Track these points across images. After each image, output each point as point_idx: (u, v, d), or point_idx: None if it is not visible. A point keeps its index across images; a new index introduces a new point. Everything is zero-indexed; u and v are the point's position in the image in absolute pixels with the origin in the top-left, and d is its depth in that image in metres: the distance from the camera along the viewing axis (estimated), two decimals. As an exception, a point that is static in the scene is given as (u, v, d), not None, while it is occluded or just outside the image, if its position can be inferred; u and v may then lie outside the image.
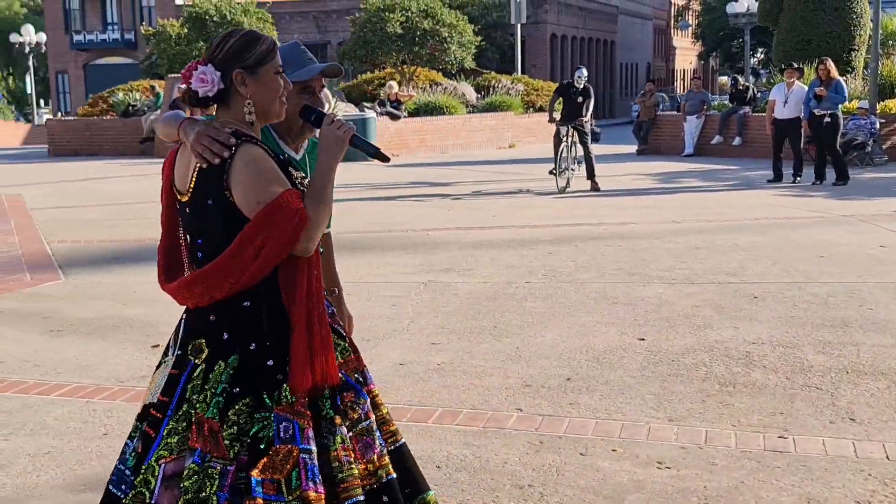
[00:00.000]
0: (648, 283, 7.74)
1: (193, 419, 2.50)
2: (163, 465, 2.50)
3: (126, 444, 2.66)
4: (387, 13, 27.39)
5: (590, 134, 14.99)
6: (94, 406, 5.03)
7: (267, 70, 2.55)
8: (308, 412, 2.53)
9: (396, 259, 8.95)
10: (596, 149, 15.48)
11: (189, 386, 2.53)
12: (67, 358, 5.92)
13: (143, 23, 43.69)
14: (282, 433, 2.48)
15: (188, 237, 2.61)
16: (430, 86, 26.70)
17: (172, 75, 23.77)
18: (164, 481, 2.49)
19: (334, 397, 2.61)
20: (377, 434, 2.69)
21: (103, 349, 6.13)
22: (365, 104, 23.31)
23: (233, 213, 2.47)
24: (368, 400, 2.70)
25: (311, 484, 2.47)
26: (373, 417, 2.69)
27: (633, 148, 22.76)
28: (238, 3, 29.77)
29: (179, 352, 2.61)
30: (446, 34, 27.63)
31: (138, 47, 45.17)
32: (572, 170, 14.89)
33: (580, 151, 14.89)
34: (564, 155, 14.63)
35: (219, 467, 2.46)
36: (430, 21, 27.56)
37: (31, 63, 43.55)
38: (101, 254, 9.65)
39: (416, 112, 24.06)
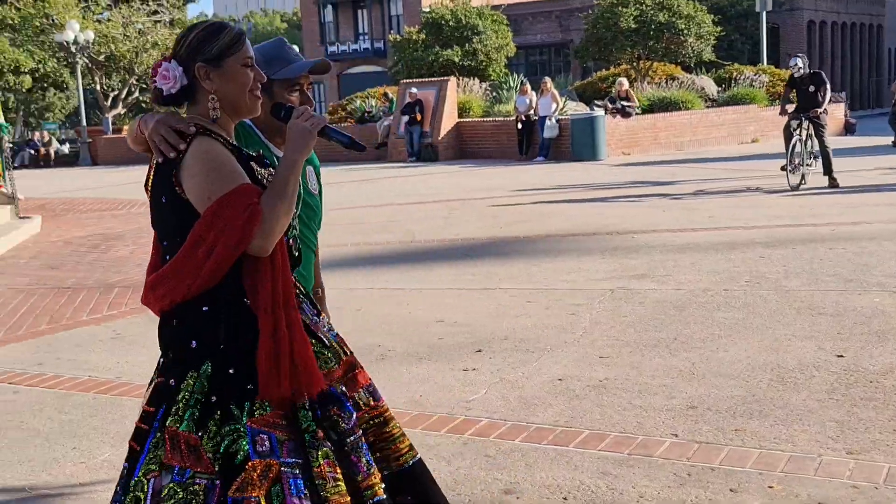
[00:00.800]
0: (866, 290, 6.91)
1: (166, 434, 2.31)
2: (151, 481, 2.32)
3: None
4: (620, 8, 26.69)
5: (826, 126, 13.82)
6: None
7: (232, 62, 2.39)
8: (284, 423, 2.34)
9: (590, 264, 8.52)
10: (848, 141, 14.33)
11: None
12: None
13: (391, 31, 45.13)
14: (258, 447, 2.29)
15: (158, 239, 2.46)
16: (667, 81, 25.78)
17: (405, 81, 24.29)
18: (153, 498, 2.31)
19: (315, 409, 2.40)
20: (364, 452, 2.45)
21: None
22: (596, 102, 22.81)
23: (187, 211, 2.31)
24: (355, 414, 2.48)
25: (295, 500, 2.28)
26: (359, 433, 2.47)
27: (890, 139, 20.90)
28: (473, 7, 30.05)
29: (162, 359, 2.46)
30: (683, 26, 26.54)
31: (387, 55, 46.69)
32: (808, 165, 13.79)
33: (817, 145, 13.77)
34: (798, 149, 13.57)
35: (204, 482, 2.28)
36: (666, 13, 26.58)
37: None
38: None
39: (650, 108, 23.28)
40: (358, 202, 14.09)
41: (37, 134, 34.96)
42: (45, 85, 36.92)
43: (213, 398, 2.32)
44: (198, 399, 2.31)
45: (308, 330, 2.46)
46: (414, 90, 22.95)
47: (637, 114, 22.38)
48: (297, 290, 2.52)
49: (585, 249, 9.27)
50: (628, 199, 13.44)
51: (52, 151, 32.73)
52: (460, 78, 25.85)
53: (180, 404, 2.32)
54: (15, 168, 30.92)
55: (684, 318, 6.47)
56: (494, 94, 25.75)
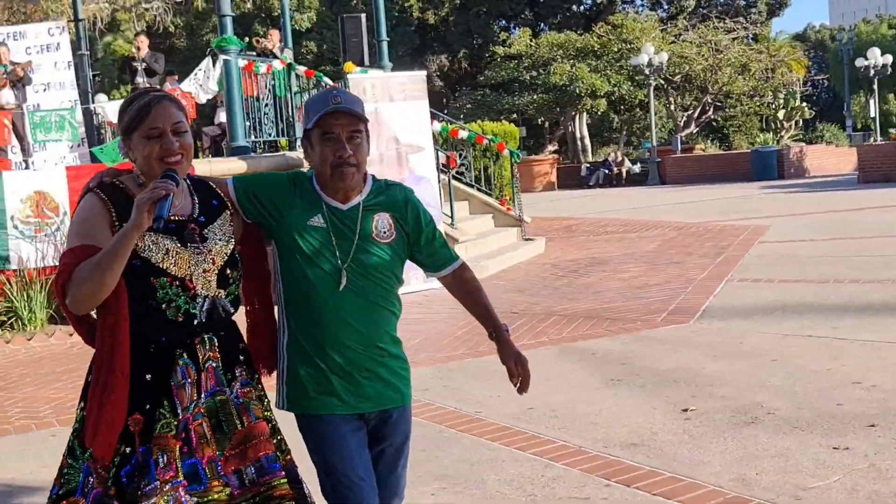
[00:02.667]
0: None
1: None
2: None
3: None
4: None
5: None
6: (550, 471, 4.74)
7: (137, 136, 2.59)
8: (101, 471, 2.54)
9: None
10: None
11: None
12: (587, 411, 5.70)
13: None
14: (85, 487, 2.56)
15: None
16: None
17: None
18: None
19: (121, 466, 2.56)
20: None
21: (632, 405, 5.75)
22: None
23: None
24: (156, 484, 2.52)
25: None
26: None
27: None
28: None
29: None
30: None
31: None
32: None
33: None
34: None
35: None
36: None
37: (874, 87, 42.75)
38: (769, 296, 9.01)
39: None
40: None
41: (611, 154, 36.79)
42: (622, 108, 38.68)
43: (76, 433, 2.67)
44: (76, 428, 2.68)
45: (153, 391, 2.59)
46: None
47: None
48: (181, 351, 2.63)
49: None
50: None
51: (623, 171, 34.21)
52: None
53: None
54: (589, 187, 33.21)
55: None
56: None
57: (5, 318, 9.65)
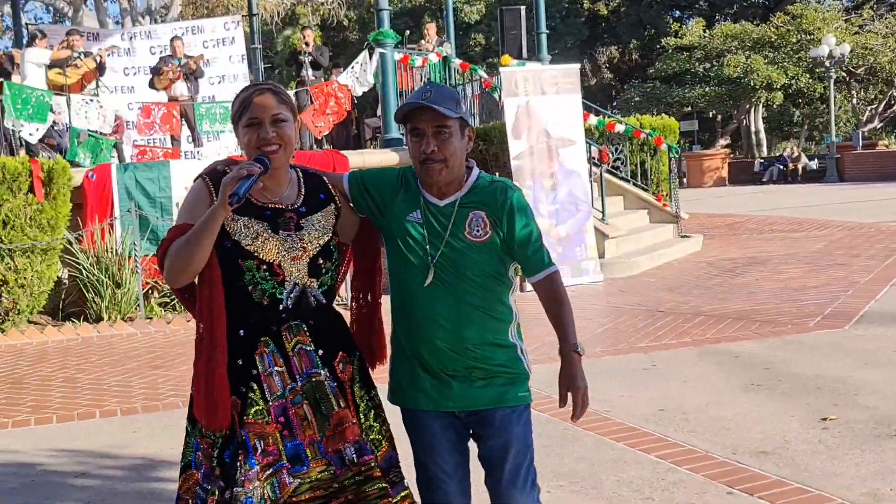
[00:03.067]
0: None
1: None
2: None
3: None
4: None
5: None
6: (671, 475, 4.60)
7: (241, 125, 2.73)
8: (208, 449, 2.67)
9: None
10: None
11: None
12: (720, 415, 5.50)
13: None
14: (196, 461, 2.71)
15: None
16: None
17: None
18: None
19: (224, 448, 2.64)
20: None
21: (768, 412, 5.51)
22: None
23: None
24: (257, 469, 2.58)
25: None
26: (250, 487, 2.56)
27: None
28: None
29: None
30: None
31: None
32: None
33: None
34: None
35: None
36: None
37: None
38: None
39: None
40: None
41: (787, 150, 35.33)
42: (801, 102, 37.08)
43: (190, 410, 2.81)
44: None
45: (245, 376, 2.66)
46: None
47: None
48: (266, 339, 2.69)
49: None
50: None
51: (799, 167, 32.81)
52: None
53: None
54: (762, 183, 31.94)
55: None
56: None
57: (168, 300, 10.15)
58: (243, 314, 2.69)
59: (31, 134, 11.33)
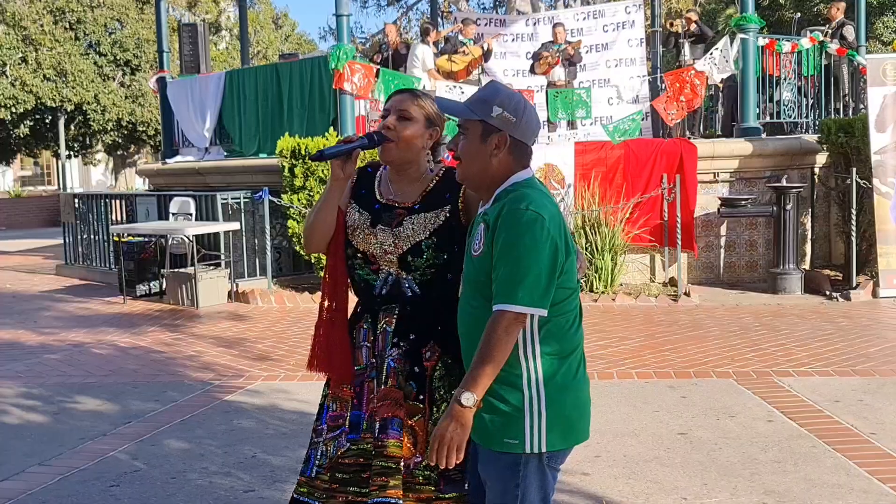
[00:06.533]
0: None
1: None
2: None
3: None
4: None
5: None
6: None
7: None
8: (330, 402, 2.99)
9: None
10: None
11: None
12: None
13: None
14: (320, 415, 3.04)
15: None
16: None
17: None
18: None
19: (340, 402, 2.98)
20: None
21: None
22: None
23: None
24: (324, 427, 2.96)
25: (307, 469, 2.95)
26: (317, 439, 2.96)
27: None
28: None
29: None
30: None
31: None
32: None
33: None
34: None
35: None
36: None
37: None
38: None
39: None
40: None
41: None
42: None
43: None
44: None
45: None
46: None
47: None
48: (367, 316, 2.98)
49: None
50: None
51: None
52: None
53: None
54: None
55: None
56: None
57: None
58: (357, 293, 3.04)
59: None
